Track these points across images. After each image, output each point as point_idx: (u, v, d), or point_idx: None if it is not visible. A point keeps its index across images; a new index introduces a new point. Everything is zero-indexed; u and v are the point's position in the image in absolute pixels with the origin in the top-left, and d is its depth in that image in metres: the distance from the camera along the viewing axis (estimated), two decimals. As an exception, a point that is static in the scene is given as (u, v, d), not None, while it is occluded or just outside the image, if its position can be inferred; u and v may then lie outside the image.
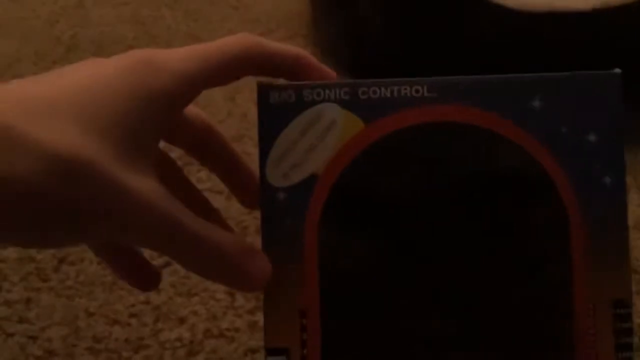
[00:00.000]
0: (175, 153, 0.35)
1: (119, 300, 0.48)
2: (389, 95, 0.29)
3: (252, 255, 0.28)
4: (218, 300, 0.48)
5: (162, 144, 0.31)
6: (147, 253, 0.34)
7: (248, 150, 0.58)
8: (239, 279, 0.28)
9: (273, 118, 0.30)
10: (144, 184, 0.26)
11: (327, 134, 0.29)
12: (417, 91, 0.29)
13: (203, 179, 0.54)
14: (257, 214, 0.31)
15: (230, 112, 0.65)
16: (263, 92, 0.30)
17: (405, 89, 0.29)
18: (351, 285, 0.30)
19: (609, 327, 0.30)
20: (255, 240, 0.30)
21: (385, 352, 0.30)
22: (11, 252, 0.51)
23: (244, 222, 0.54)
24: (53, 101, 0.25)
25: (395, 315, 0.30)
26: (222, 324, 0.46)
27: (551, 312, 0.30)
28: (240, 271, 0.28)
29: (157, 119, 0.27)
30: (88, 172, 0.24)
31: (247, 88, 0.65)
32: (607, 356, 0.30)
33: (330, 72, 0.31)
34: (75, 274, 0.49)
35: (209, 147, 0.33)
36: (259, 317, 0.46)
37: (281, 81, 0.30)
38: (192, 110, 0.32)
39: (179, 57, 0.27)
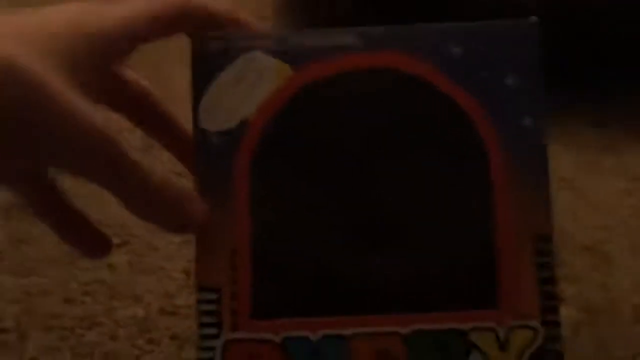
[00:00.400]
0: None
1: (74, 279, 0.47)
2: (317, 43, 0.30)
3: (191, 198, 0.29)
4: (174, 279, 0.48)
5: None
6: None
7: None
8: (176, 219, 0.29)
9: (205, 66, 0.30)
10: (86, 106, 0.26)
11: (258, 81, 0.30)
12: (344, 40, 0.30)
13: (164, 160, 0.54)
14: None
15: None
16: (195, 40, 0.31)
17: (333, 37, 0.30)
18: (280, 224, 0.30)
19: (532, 262, 0.30)
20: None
21: (314, 289, 0.30)
22: (-32, 234, 0.51)
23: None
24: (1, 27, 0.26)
25: (324, 253, 0.30)
26: (177, 301, 0.46)
27: (475, 248, 0.30)
28: (179, 212, 0.29)
29: (97, 59, 0.28)
30: (30, 79, 0.25)
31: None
32: (530, 290, 0.30)
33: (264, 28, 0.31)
34: (31, 253, 0.49)
35: (148, 111, 0.34)
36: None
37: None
38: (132, 75, 0.33)
39: (120, 7, 0.29)
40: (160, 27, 0.29)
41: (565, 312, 0.45)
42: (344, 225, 0.30)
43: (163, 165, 0.52)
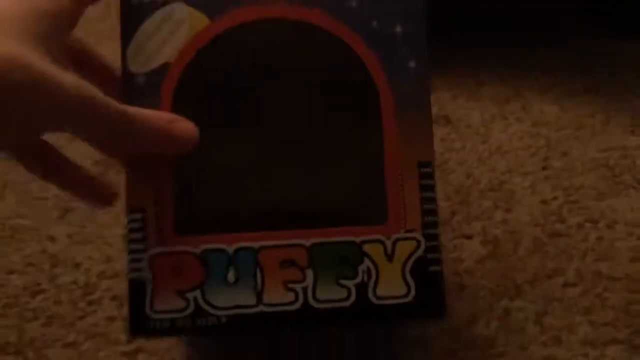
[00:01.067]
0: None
1: (16, 252, 0.50)
2: None
3: (177, 120, 0.34)
4: (112, 245, 0.51)
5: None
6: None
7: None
8: (174, 141, 0.34)
9: (132, 15, 0.35)
10: (71, 77, 0.30)
11: (178, 29, 0.35)
12: None
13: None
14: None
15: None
16: None
17: None
18: (198, 154, 0.35)
19: (416, 184, 0.35)
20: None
21: (228, 209, 0.35)
22: None
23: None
24: None
25: (236, 178, 0.35)
26: (116, 265, 0.49)
27: (367, 174, 0.35)
28: (173, 134, 0.34)
29: (60, 33, 0.32)
30: (24, 66, 0.29)
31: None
32: (414, 208, 0.35)
33: None
34: (-27, 231, 0.52)
35: (89, 62, 0.38)
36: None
37: None
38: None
39: None
40: None
41: (471, 248, 0.50)
42: (254, 153, 0.35)
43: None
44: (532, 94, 0.63)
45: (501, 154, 0.57)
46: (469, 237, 0.50)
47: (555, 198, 0.53)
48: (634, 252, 0.49)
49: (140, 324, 0.34)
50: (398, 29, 0.36)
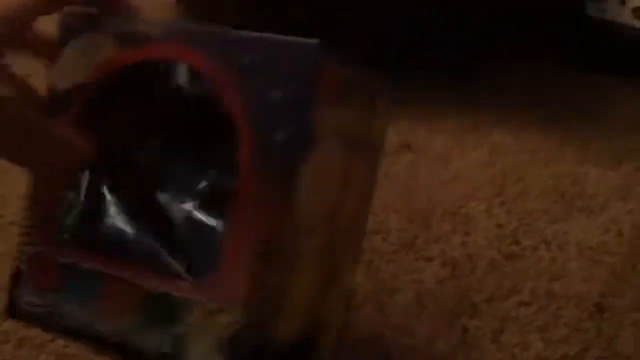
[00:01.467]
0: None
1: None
2: (142, 31, 0.36)
3: (75, 138, 0.36)
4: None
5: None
6: None
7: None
8: (70, 156, 0.36)
9: (63, 35, 0.38)
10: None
11: (92, 56, 0.37)
12: (163, 31, 0.36)
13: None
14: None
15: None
16: (60, 15, 0.38)
17: (153, 28, 0.36)
18: (92, 169, 0.38)
19: (252, 259, 0.33)
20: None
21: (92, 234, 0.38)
22: None
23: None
24: None
25: (107, 211, 0.38)
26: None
27: (208, 241, 0.37)
28: (70, 150, 0.36)
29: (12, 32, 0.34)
30: None
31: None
32: (242, 283, 0.33)
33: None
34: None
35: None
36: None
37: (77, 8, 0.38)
38: None
39: None
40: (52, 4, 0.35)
41: (432, 269, 0.52)
42: (122, 186, 0.39)
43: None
44: (490, 124, 0.66)
45: (460, 180, 0.59)
46: (430, 260, 0.53)
47: (510, 222, 0.55)
48: (584, 272, 0.51)
49: (12, 309, 0.38)
50: (275, 95, 0.33)
